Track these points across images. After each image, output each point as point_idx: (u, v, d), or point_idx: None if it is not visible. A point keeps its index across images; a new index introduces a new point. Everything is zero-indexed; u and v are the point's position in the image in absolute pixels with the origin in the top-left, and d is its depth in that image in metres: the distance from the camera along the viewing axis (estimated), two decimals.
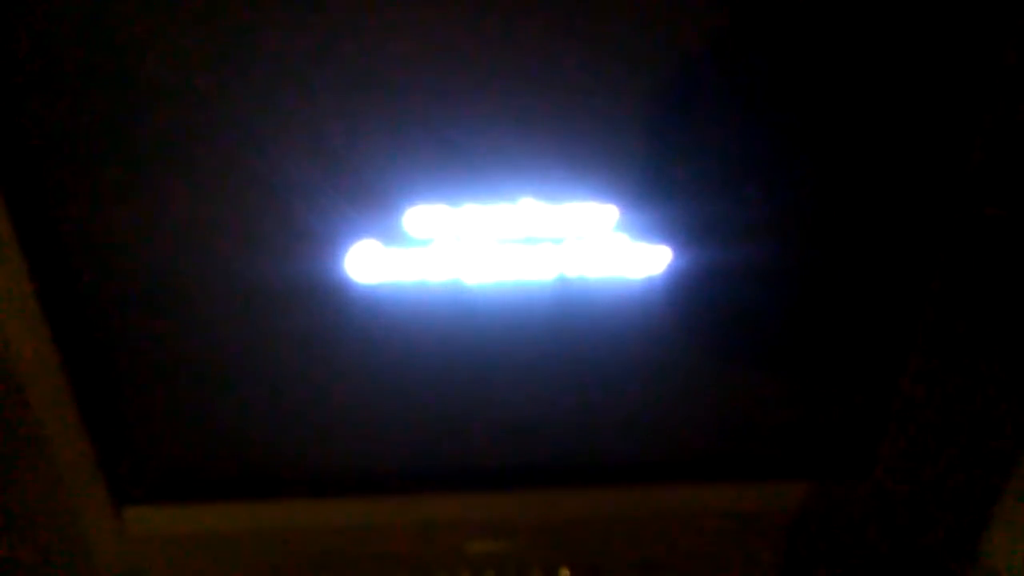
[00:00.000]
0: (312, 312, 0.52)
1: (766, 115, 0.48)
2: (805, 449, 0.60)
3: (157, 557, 0.61)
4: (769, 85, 0.47)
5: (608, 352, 0.55)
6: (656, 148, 0.48)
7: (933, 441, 0.58)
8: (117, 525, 0.59)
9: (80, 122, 0.46)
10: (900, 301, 0.53)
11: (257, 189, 0.48)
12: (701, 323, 0.54)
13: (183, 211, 0.49)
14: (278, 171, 0.47)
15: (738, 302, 0.53)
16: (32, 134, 0.46)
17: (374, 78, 0.45)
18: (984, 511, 0.61)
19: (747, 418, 0.58)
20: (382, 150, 0.47)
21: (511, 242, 0.50)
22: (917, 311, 0.53)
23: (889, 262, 0.52)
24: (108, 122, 0.46)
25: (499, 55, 0.45)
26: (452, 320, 0.53)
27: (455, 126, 0.47)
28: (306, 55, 0.44)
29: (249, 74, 0.45)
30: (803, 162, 0.49)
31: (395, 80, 0.45)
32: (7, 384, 0.52)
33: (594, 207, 0.49)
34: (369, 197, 0.49)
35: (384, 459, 0.59)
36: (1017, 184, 0.48)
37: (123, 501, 0.58)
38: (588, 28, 0.44)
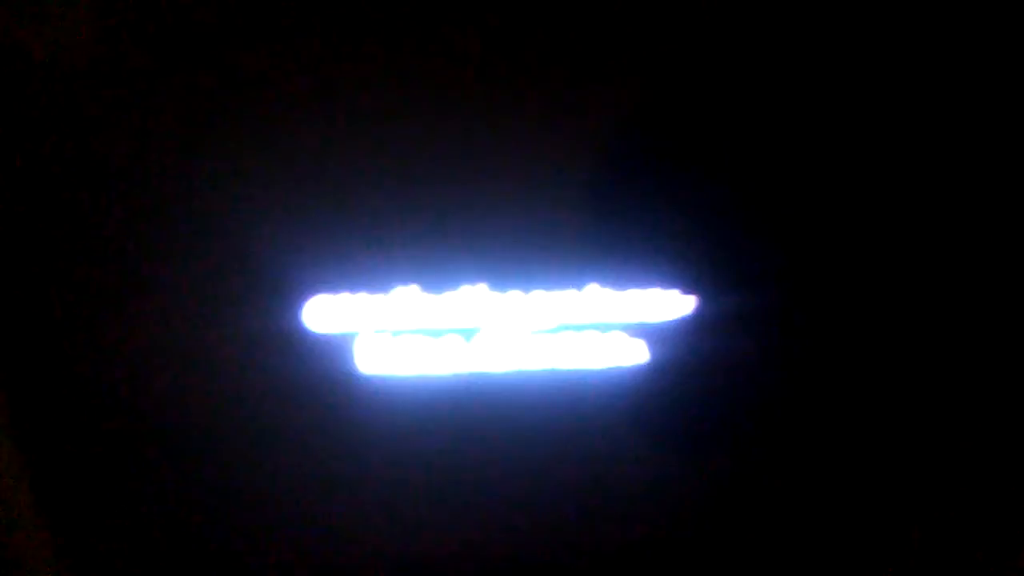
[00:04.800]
0: (290, 409, 0.50)
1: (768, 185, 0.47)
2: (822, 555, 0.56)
3: None
4: (766, 147, 0.47)
5: (605, 450, 0.52)
6: (661, 225, 0.48)
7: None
8: None
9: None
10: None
11: (238, 272, 0.48)
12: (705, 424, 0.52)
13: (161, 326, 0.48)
14: (256, 251, 0.48)
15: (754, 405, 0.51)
16: None
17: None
18: None
19: (757, 524, 0.55)
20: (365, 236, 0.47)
21: (511, 332, 0.50)
22: None
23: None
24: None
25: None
26: (445, 416, 0.51)
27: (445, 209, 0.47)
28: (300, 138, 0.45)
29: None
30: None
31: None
32: None
33: (600, 294, 0.49)
34: (351, 283, 0.49)
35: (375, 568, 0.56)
36: None
37: None
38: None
